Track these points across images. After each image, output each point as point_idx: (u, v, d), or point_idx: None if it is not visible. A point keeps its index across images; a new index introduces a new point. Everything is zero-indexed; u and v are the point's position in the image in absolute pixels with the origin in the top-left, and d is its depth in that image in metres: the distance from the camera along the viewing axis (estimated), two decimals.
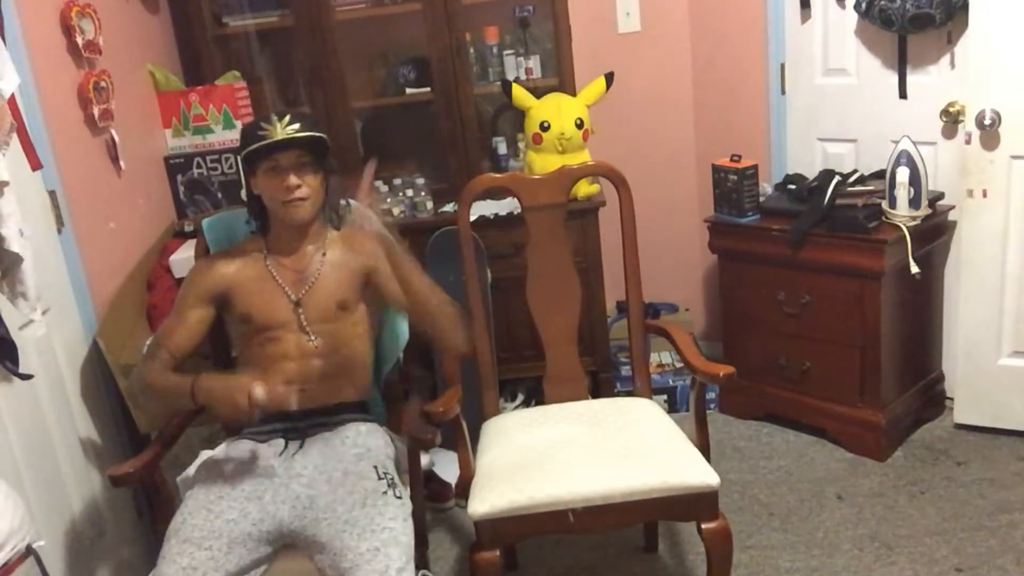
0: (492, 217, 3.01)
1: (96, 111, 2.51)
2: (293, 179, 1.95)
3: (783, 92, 3.27)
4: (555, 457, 2.04)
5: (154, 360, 1.98)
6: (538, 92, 3.02)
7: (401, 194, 3.13)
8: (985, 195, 2.75)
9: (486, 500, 1.94)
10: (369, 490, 1.84)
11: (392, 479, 1.90)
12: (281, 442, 1.97)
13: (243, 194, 2.15)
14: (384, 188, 3.14)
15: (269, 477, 1.88)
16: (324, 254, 2.06)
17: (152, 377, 1.95)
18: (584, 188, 3.00)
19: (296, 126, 1.93)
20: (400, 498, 1.87)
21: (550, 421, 2.24)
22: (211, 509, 1.80)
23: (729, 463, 2.93)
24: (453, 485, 2.75)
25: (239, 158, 2.11)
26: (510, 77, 3.14)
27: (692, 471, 1.95)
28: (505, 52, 3.20)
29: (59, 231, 2.33)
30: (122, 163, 2.67)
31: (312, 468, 1.89)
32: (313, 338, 2.01)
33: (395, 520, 1.79)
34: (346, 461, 1.91)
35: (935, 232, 2.91)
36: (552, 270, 2.34)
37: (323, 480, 1.86)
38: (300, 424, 1.98)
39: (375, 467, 1.90)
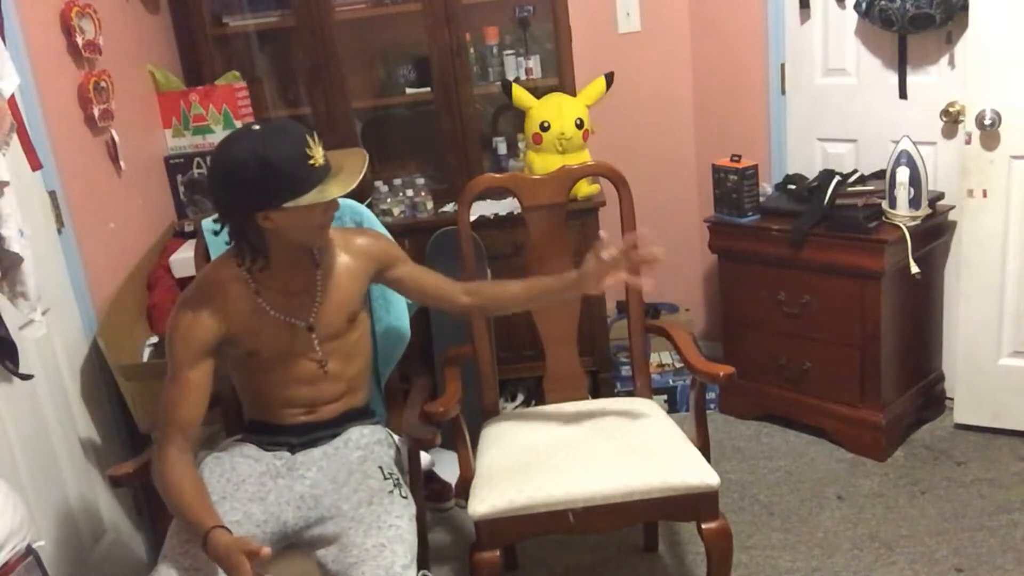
0: (492, 217, 3.01)
1: (96, 111, 2.51)
2: (337, 205, 1.84)
3: (783, 92, 3.27)
4: (555, 457, 2.04)
5: (168, 447, 1.77)
6: (538, 92, 3.02)
7: (401, 194, 3.13)
8: (985, 195, 2.75)
9: (486, 500, 1.94)
10: (375, 489, 1.83)
11: (398, 479, 1.89)
12: (286, 453, 1.93)
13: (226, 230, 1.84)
14: (384, 188, 3.14)
15: (272, 477, 1.87)
16: (319, 266, 1.91)
17: (169, 484, 1.74)
18: (584, 188, 3.00)
19: (321, 144, 1.76)
20: (406, 498, 1.87)
21: (550, 421, 2.24)
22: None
23: (729, 463, 2.93)
24: (453, 485, 2.75)
25: (253, 193, 1.71)
26: (510, 77, 3.14)
27: (692, 471, 1.95)
28: (505, 52, 3.20)
29: (59, 231, 2.34)
30: (122, 163, 2.67)
31: (316, 469, 1.89)
32: (324, 362, 1.93)
33: (401, 519, 1.79)
34: (350, 462, 1.90)
35: (935, 232, 2.91)
36: (552, 270, 2.34)
37: (327, 480, 1.86)
38: (306, 438, 1.95)
39: (380, 467, 1.89)
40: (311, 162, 1.71)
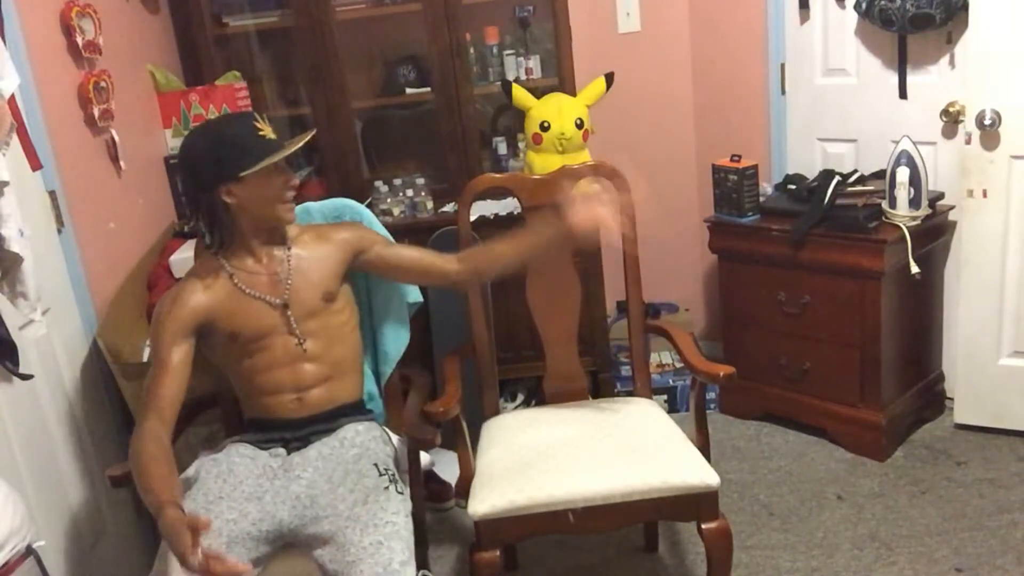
0: (492, 217, 3.01)
1: (96, 111, 2.51)
2: (295, 177, 1.93)
3: (783, 92, 3.27)
4: (555, 457, 2.04)
5: (145, 424, 1.82)
6: (538, 92, 3.02)
7: (401, 194, 3.13)
8: (985, 195, 2.75)
9: (486, 500, 1.94)
10: (370, 487, 1.84)
11: (393, 475, 1.90)
12: (282, 451, 1.96)
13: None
14: (384, 188, 3.14)
15: (269, 478, 1.88)
16: (290, 249, 2.01)
17: (141, 452, 1.77)
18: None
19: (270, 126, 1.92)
20: (401, 493, 1.87)
21: (550, 421, 2.24)
22: (210, 509, 1.80)
23: (729, 463, 2.93)
24: (453, 485, 2.75)
25: (212, 169, 1.87)
26: (510, 77, 3.14)
27: (692, 471, 1.95)
28: (505, 52, 3.20)
29: (59, 231, 2.33)
30: (122, 163, 2.67)
31: (312, 469, 1.89)
32: (302, 340, 1.98)
33: (397, 515, 1.80)
34: (346, 461, 1.90)
35: (935, 232, 2.91)
36: (552, 270, 2.34)
37: (323, 480, 1.86)
38: (300, 433, 1.98)
39: (375, 464, 1.90)
40: (261, 134, 1.87)
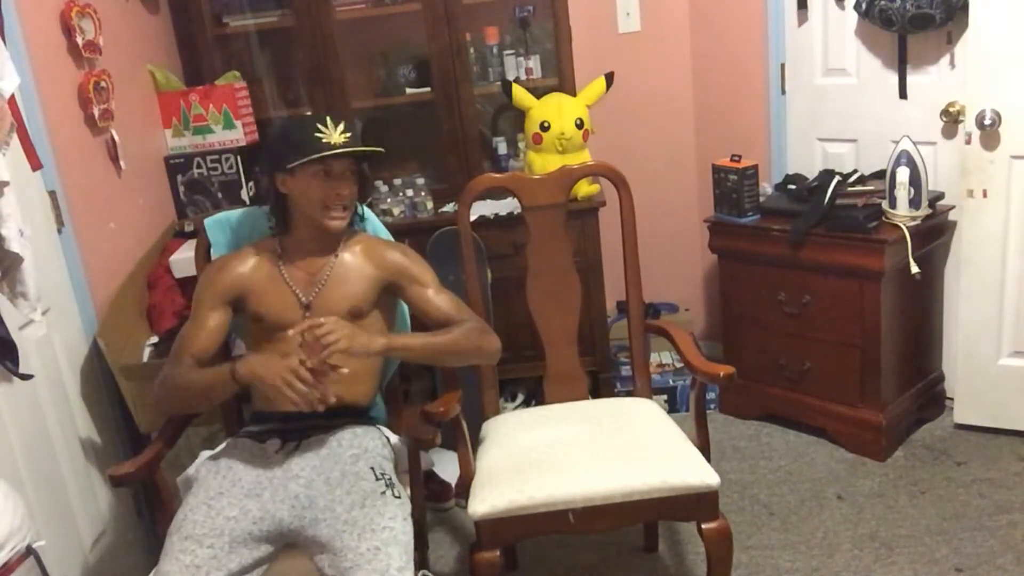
0: (492, 217, 3.01)
1: (96, 111, 2.51)
2: (347, 190, 1.95)
3: (783, 92, 3.27)
4: (555, 457, 2.04)
5: (179, 364, 1.94)
6: (538, 92, 3.02)
7: (401, 194, 3.13)
8: (985, 195, 2.75)
9: (486, 500, 1.94)
10: (368, 490, 1.84)
11: (390, 479, 1.90)
12: (278, 442, 1.96)
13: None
14: (384, 188, 3.14)
15: (268, 476, 1.88)
16: (336, 256, 2.05)
17: (183, 378, 1.91)
18: (584, 188, 3.00)
19: (348, 135, 1.93)
20: (399, 497, 1.87)
21: (550, 421, 2.24)
22: (211, 506, 1.80)
23: (729, 463, 2.93)
24: (453, 485, 2.75)
25: (271, 155, 2.02)
26: (510, 77, 3.15)
27: (692, 471, 1.95)
28: (505, 52, 3.20)
29: (59, 231, 2.34)
30: (122, 163, 2.67)
31: (310, 469, 1.89)
32: None
33: (395, 519, 1.80)
34: (343, 462, 1.91)
35: (935, 232, 2.91)
36: (552, 270, 2.34)
37: (321, 480, 1.86)
38: (298, 425, 1.98)
39: (372, 468, 1.90)
40: (318, 135, 1.91)
